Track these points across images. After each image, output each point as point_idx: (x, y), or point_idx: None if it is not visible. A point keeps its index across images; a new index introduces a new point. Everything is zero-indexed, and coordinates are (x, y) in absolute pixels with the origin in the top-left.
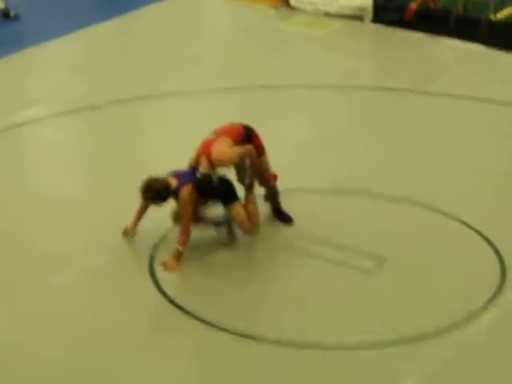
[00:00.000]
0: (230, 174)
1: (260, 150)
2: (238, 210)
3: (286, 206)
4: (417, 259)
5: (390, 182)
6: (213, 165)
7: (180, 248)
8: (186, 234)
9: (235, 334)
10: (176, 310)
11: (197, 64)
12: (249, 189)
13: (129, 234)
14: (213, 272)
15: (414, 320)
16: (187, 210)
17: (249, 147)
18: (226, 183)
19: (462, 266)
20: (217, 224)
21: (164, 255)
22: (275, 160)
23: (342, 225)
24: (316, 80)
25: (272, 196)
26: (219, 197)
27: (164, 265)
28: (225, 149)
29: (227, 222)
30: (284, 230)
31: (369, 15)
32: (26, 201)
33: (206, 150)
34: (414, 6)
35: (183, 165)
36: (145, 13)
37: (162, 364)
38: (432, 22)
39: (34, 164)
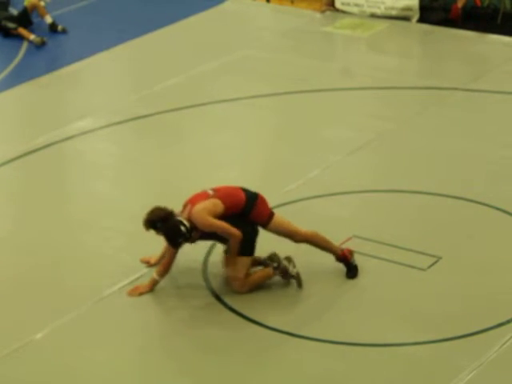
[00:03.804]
0: None
1: (263, 220)
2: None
3: (336, 207)
4: (473, 256)
5: (441, 180)
6: (189, 219)
7: (157, 278)
8: (165, 268)
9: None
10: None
11: (242, 70)
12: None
13: (146, 265)
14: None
15: (470, 316)
16: (173, 255)
17: (229, 229)
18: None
19: None
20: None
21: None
22: (327, 162)
23: (396, 224)
24: (363, 82)
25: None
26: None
27: (136, 288)
28: (204, 213)
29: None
30: (337, 231)
31: (415, 15)
32: (88, 203)
33: (195, 201)
34: (459, 4)
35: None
36: (189, 22)
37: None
38: (479, 20)
39: (88, 173)
